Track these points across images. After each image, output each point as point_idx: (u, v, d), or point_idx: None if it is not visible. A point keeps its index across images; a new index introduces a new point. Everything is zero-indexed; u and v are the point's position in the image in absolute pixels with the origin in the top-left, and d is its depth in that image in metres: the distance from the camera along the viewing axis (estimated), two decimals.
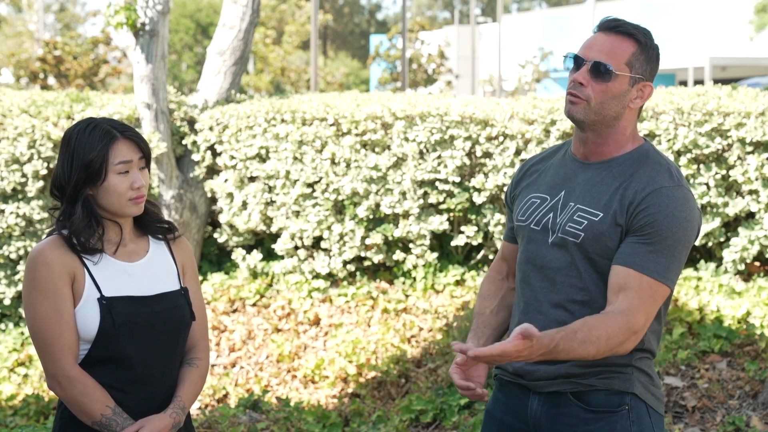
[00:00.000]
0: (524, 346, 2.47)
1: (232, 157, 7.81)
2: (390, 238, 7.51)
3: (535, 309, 2.78)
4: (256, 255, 7.80)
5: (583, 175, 2.77)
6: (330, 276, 7.69)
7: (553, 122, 7.17)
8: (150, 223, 2.86)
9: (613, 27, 2.72)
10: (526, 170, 2.94)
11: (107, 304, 2.72)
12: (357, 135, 7.51)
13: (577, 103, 2.71)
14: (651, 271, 2.62)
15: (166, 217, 8.25)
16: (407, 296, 7.44)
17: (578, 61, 2.72)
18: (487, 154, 7.40)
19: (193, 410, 6.57)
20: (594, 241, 2.68)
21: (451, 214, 7.50)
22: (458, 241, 7.44)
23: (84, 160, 2.71)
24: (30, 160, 7.60)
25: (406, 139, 7.39)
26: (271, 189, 7.75)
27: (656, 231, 2.62)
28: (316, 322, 7.42)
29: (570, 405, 2.74)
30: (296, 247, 7.77)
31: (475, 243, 7.45)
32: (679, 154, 6.99)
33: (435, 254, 7.50)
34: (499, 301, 2.97)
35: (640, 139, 2.80)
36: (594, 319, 2.61)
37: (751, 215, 7.12)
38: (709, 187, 6.98)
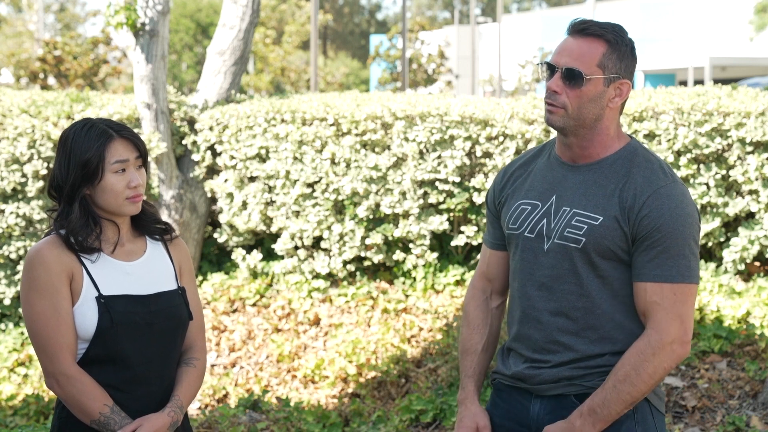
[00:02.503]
0: None
1: (232, 157, 7.81)
2: (390, 238, 7.51)
3: (533, 318, 2.75)
4: (256, 255, 7.80)
5: (573, 179, 2.74)
6: (330, 276, 7.69)
7: None
8: (147, 224, 2.87)
9: (581, 30, 2.70)
10: (509, 175, 2.89)
11: (105, 303, 2.72)
12: (357, 135, 7.51)
13: (554, 112, 2.70)
14: (671, 276, 2.61)
15: (166, 218, 8.24)
16: (407, 296, 7.44)
17: (551, 68, 2.70)
18: (487, 154, 7.40)
19: (193, 410, 6.57)
20: (596, 244, 2.66)
21: (451, 214, 7.50)
22: (458, 241, 7.44)
23: (80, 160, 2.72)
24: (30, 160, 7.60)
25: (406, 139, 7.39)
26: (271, 189, 7.75)
27: (664, 234, 2.61)
28: (316, 322, 7.42)
29: (574, 407, 2.71)
30: (296, 247, 7.77)
31: (475, 243, 7.45)
32: (679, 154, 7.00)
33: (435, 254, 7.50)
34: (488, 333, 2.92)
35: (626, 137, 2.78)
36: (621, 359, 2.65)
37: (751, 215, 7.12)
38: (709, 187, 6.99)
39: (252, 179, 7.86)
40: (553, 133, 7.10)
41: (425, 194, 7.44)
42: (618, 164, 2.71)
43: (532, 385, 2.76)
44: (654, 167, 2.70)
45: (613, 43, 2.68)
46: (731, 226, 7.14)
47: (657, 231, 2.61)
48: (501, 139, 7.31)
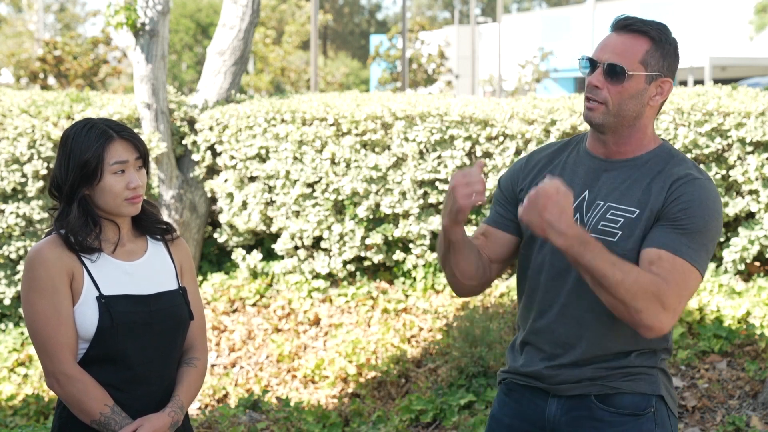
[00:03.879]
0: (560, 195, 2.49)
1: (232, 157, 7.81)
2: (390, 238, 7.51)
3: (557, 312, 2.70)
4: (256, 255, 7.80)
5: (607, 174, 2.71)
6: (330, 276, 7.69)
7: (553, 122, 7.17)
8: (148, 224, 2.87)
9: (625, 26, 2.67)
10: (534, 163, 2.83)
11: (106, 303, 2.72)
12: (357, 135, 7.51)
13: (594, 108, 2.67)
14: (684, 253, 2.57)
15: (166, 218, 8.22)
16: (407, 296, 7.44)
17: (593, 63, 2.67)
18: (487, 154, 7.40)
19: (194, 410, 6.57)
20: (632, 237, 2.63)
21: None
22: None
23: (80, 160, 2.72)
24: (30, 160, 7.60)
25: (406, 139, 7.39)
26: (271, 189, 7.75)
27: (689, 217, 2.59)
28: (316, 322, 7.42)
29: (593, 408, 2.68)
30: (296, 247, 7.77)
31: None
32: None
33: (435, 254, 7.50)
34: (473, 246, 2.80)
35: (659, 139, 2.77)
36: (638, 269, 2.55)
37: (751, 215, 7.12)
38: None
39: (252, 179, 7.86)
40: (554, 134, 7.11)
41: (425, 194, 7.44)
42: (654, 161, 2.70)
43: (550, 384, 2.72)
44: (689, 165, 2.70)
45: (657, 41, 2.66)
46: (731, 226, 7.14)
47: (683, 213, 2.59)
48: (501, 139, 7.31)
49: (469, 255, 2.77)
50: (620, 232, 2.64)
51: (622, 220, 2.64)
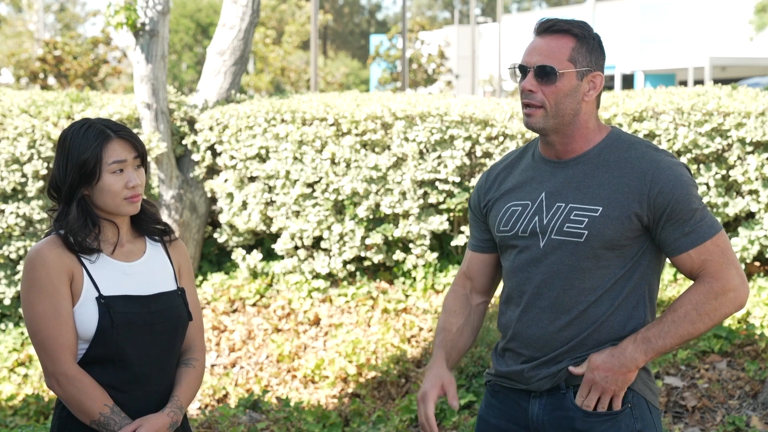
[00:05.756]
0: (606, 364, 2.65)
1: (232, 157, 7.81)
2: (390, 238, 7.51)
3: (533, 317, 2.74)
4: (256, 255, 7.80)
5: (561, 174, 2.75)
6: (330, 276, 7.69)
7: None
8: (147, 224, 2.87)
9: (548, 28, 2.73)
10: (493, 178, 2.89)
11: (105, 303, 2.72)
12: (357, 135, 7.51)
13: (533, 114, 2.72)
14: (705, 235, 2.66)
15: (166, 218, 8.23)
16: (407, 296, 7.44)
17: (523, 69, 2.74)
18: (487, 154, 7.40)
19: (193, 410, 6.57)
20: (599, 235, 2.66)
21: (451, 214, 7.50)
22: (458, 241, 7.44)
23: (78, 160, 2.72)
24: (30, 160, 7.60)
25: (406, 139, 7.39)
26: (271, 189, 7.75)
27: (683, 204, 2.65)
28: (316, 322, 7.42)
29: (572, 406, 2.71)
30: (296, 247, 7.77)
31: None
32: (679, 154, 7.00)
33: (435, 254, 7.50)
34: (464, 320, 2.92)
35: (606, 127, 2.81)
36: (678, 299, 2.68)
37: (751, 215, 7.12)
38: (709, 187, 6.99)
39: (252, 179, 7.86)
40: None
41: (425, 194, 7.44)
42: (605, 153, 2.74)
43: (531, 383, 2.76)
44: (641, 146, 2.74)
45: (581, 38, 2.72)
46: (731, 226, 7.15)
47: (676, 204, 2.65)
48: (501, 139, 7.32)
49: (466, 346, 2.95)
50: (586, 232, 2.68)
51: (587, 219, 2.68)
